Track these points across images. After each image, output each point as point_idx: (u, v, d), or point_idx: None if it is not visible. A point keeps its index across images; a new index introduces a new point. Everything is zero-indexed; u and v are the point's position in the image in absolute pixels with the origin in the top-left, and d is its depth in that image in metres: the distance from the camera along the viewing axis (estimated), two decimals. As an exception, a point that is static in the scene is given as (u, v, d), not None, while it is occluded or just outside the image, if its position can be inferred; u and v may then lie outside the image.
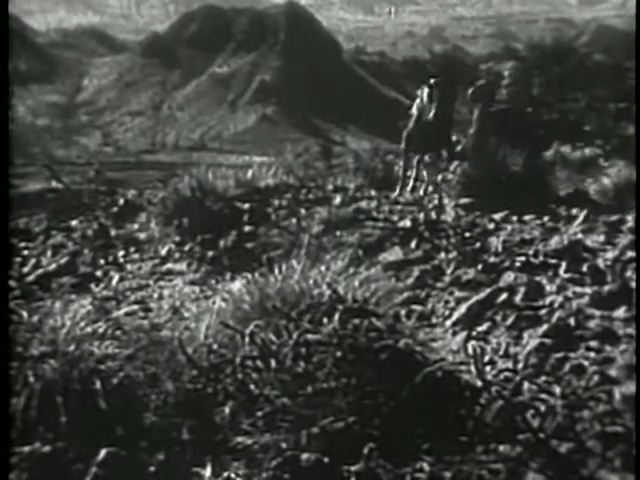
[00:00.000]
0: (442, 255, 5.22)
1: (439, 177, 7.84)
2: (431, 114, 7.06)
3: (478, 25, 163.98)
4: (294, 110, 72.05)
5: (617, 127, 20.99)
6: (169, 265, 5.73)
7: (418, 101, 7.65)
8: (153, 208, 6.77)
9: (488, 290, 4.31)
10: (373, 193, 8.18)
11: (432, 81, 7.24)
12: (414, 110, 7.79)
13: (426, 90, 7.36)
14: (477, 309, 4.08)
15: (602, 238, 5.39)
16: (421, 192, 7.82)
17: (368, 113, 71.70)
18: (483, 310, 4.06)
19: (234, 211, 6.67)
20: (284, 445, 2.60)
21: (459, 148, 8.55)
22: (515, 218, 6.23)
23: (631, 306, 3.82)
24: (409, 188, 8.16)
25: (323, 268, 3.56)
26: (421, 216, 6.32)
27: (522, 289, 4.29)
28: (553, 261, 4.84)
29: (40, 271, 5.63)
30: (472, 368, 2.98)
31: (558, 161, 11.60)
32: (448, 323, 4.01)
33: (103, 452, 2.54)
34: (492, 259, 5.03)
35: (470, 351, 3.18)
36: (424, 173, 8.12)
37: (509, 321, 3.86)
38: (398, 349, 3.01)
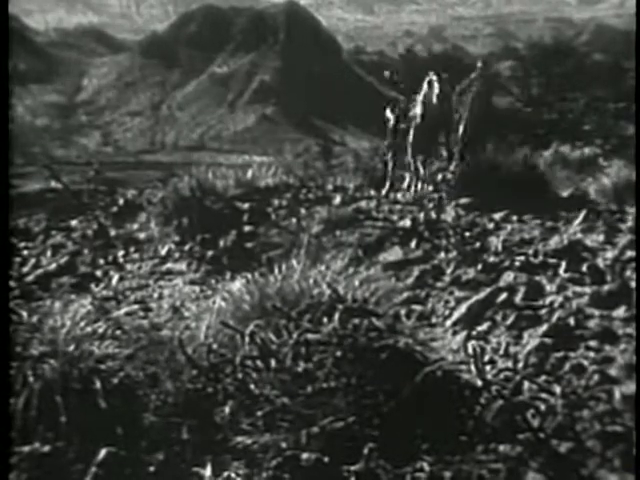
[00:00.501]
0: (442, 255, 5.22)
1: (439, 177, 7.83)
2: (434, 99, 7.05)
3: (477, 25, 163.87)
4: (294, 110, 72.05)
5: (616, 127, 21.02)
6: (169, 265, 5.73)
7: (420, 98, 7.62)
8: (153, 208, 6.76)
9: (488, 290, 4.31)
10: (373, 193, 8.17)
11: (433, 74, 7.24)
12: (417, 109, 7.76)
13: (428, 81, 7.34)
14: (477, 309, 4.09)
15: (602, 238, 5.38)
16: (411, 190, 7.79)
17: (367, 113, 71.63)
18: (483, 310, 4.07)
19: (234, 211, 6.67)
20: (284, 445, 2.60)
21: (457, 148, 8.52)
22: (515, 218, 6.22)
23: (631, 306, 3.82)
24: (405, 187, 8.15)
25: (323, 268, 3.57)
26: (421, 216, 6.31)
27: (522, 289, 4.30)
28: (553, 261, 4.84)
29: (40, 271, 5.63)
30: (472, 368, 2.98)
31: (558, 161, 11.59)
32: (448, 323, 4.01)
33: (103, 452, 2.54)
34: (492, 259, 5.02)
35: (470, 351, 3.18)
36: (423, 172, 8.10)
37: (509, 321, 3.86)
38: (398, 349, 3.01)
